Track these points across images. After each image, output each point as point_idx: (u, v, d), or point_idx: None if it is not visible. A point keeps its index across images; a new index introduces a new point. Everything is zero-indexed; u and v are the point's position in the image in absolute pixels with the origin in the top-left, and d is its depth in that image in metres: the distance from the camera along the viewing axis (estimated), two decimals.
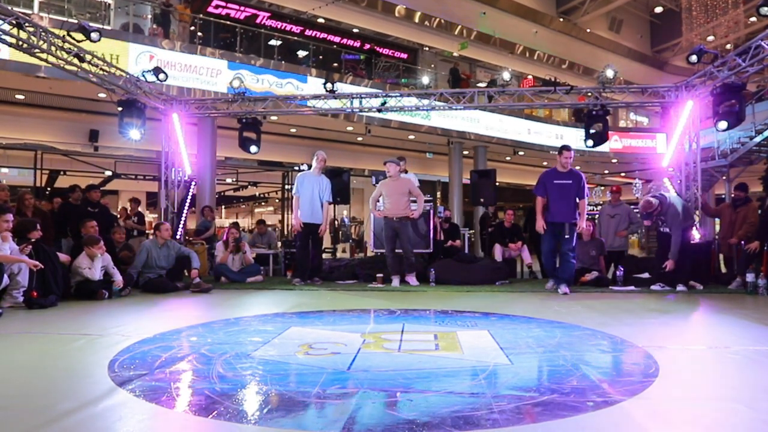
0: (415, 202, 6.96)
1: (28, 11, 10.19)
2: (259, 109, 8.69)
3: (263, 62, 12.31)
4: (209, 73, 11.27)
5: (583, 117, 8.38)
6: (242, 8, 16.38)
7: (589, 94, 8.48)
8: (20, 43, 5.91)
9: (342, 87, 12.00)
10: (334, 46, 17.66)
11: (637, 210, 7.23)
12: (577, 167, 6.31)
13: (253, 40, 14.22)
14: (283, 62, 12.90)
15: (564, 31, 22.81)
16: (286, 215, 14.80)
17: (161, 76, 7.82)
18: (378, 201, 7.12)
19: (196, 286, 6.23)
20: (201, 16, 14.08)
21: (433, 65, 19.64)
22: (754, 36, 6.68)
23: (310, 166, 7.45)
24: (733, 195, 7.15)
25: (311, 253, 7.23)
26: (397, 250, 6.94)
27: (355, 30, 18.38)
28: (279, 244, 10.02)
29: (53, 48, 6.30)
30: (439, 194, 18.08)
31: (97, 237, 5.75)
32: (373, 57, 17.07)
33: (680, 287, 6.17)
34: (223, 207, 20.23)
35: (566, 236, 5.98)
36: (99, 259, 5.61)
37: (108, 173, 13.23)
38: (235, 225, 8.05)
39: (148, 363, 2.73)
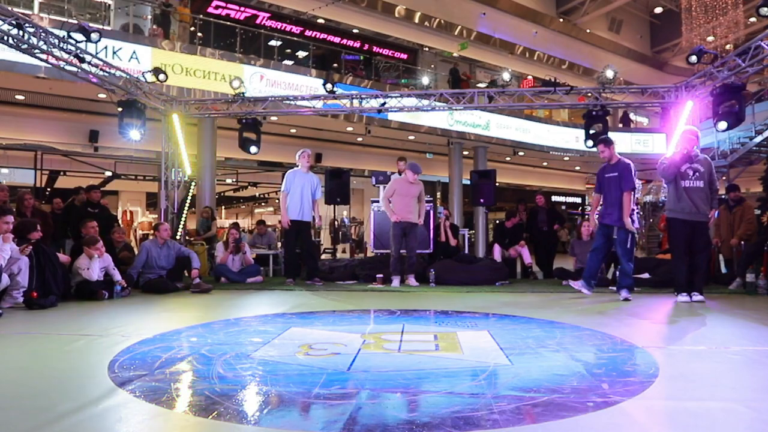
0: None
1: (28, 12, 10.20)
2: (258, 110, 8.69)
3: (352, 80, 13.83)
4: (308, 90, 12.29)
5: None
6: (242, 9, 16.39)
7: (589, 94, 8.50)
8: (20, 43, 5.92)
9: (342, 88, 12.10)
10: (334, 47, 17.68)
11: (637, 210, 6.93)
12: (626, 160, 5.60)
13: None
14: (369, 81, 14.63)
15: (564, 32, 22.82)
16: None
17: (161, 76, 7.82)
18: (390, 199, 6.99)
19: (196, 286, 6.23)
20: (201, 16, 14.09)
21: (433, 66, 19.66)
22: (754, 36, 6.69)
23: (312, 167, 7.39)
24: (728, 197, 7.15)
25: (305, 252, 7.22)
26: (401, 251, 6.93)
27: (355, 30, 18.39)
28: (279, 244, 10.03)
29: (53, 48, 6.31)
30: (439, 194, 18.08)
31: (96, 237, 5.74)
32: (373, 58, 17.15)
33: (696, 296, 5.20)
34: (223, 207, 20.22)
35: (613, 237, 5.52)
36: (97, 260, 5.60)
37: (108, 174, 13.25)
38: (235, 225, 8.05)
39: (149, 363, 2.73)
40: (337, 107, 8.98)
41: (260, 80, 11.88)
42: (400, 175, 8.27)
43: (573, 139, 17.56)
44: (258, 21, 16.65)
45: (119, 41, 10.24)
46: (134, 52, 10.24)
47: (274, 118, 11.41)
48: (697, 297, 5.18)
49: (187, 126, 9.03)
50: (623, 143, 18.34)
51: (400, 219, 6.82)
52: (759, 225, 6.90)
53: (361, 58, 17.26)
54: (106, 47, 9.73)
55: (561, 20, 22.70)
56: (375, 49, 18.91)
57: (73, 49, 6.55)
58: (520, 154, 17.97)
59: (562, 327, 3.86)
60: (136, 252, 7.17)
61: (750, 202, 7.49)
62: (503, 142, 16.35)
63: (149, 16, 12.39)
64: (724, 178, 13.46)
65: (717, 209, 5.39)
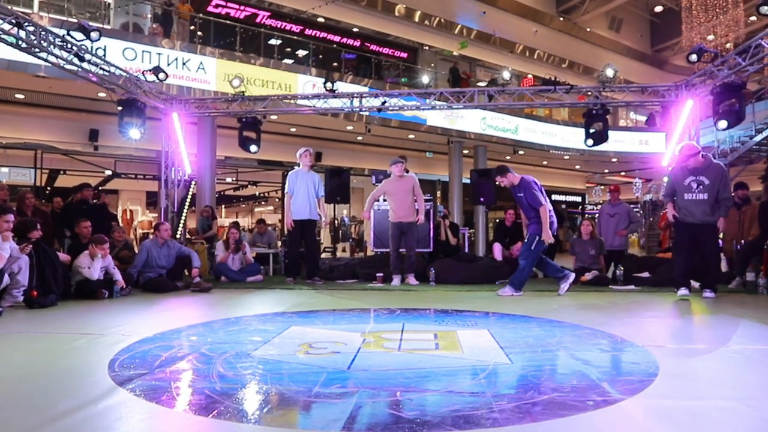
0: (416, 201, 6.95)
1: (28, 10, 10.19)
2: (258, 109, 8.69)
3: (352, 79, 13.92)
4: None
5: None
6: (242, 7, 16.37)
7: (589, 93, 8.49)
8: (20, 42, 5.91)
9: (342, 86, 12.11)
10: (334, 46, 17.67)
11: (637, 209, 7.05)
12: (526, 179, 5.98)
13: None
14: (369, 80, 14.81)
15: (564, 30, 22.80)
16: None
17: (161, 75, 7.82)
18: (377, 200, 7.06)
19: (196, 285, 6.23)
20: (201, 15, 14.07)
21: (433, 64, 19.63)
22: (754, 35, 6.68)
23: (312, 166, 7.36)
24: (736, 195, 7.12)
25: (306, 252, 7.22)
26: (400, 249, 6.94)
27: (354, 29, 18.37)
28: (279, 243, 10.02)
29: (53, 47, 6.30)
30: (439, 193, 18.08)
31: (104, 237, 5.74)
32: (373, 57, 17.16)
33: (708, 293, 5.36)
34: (223, 206, 20.19)
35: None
36: (99, 259, 5.60)
37: (108, 173, 13.23)
38: (236, 225, 8.04)
39: (149, 362, 2.73)
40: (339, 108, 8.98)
41: (312, 89, 12.21)
42: None
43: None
44: (258, 20, 16.63)
45: (188, 53, 11.17)
46: (201, 63, 11.24)
47: (274, 117, 11.40)
48: (708, 294, 5.36)
49: (187, 125, 9.04)
50: (656, 143, 18.49)
51: (397, 219, 6.81)
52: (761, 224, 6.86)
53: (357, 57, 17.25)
54: (176, 59, 10.90)
55: (561, 19, 22.67)
56: (375, 48, 18.89)
57: (86, 47, 6.52)
58: (520, 153, 17.96)
59: (561, 326, 3.86)
60: (136, 251, 7.17)
61: (755, 202, 7.47)
62: (503, 141, 16.35)
63: (149, 15, 12.38)
64: None
65: (725, 216, 5.40)
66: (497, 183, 6.06)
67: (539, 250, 5.70)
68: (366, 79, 14.62)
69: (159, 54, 10.65)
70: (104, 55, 6.31)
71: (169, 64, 10.63)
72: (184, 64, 10.92)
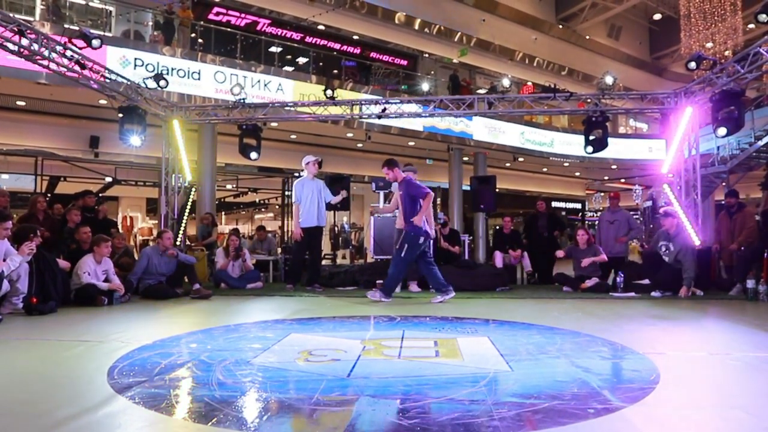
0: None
1: (30, 18, 10.25)
2: (259, 116, 8.71)
3: (352, 86, 14.18)
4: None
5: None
6: (243, 15, 16.46)
7: (589, 100, 8.51)
8: (21, 50, 5.93)
9: (342, 93, 12.15)
10: (335, 53, 17.75)
11: (637, 216, 7.26)
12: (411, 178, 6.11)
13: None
14: (369, 87, 15.01)
15: (563, 38, 22.92)
16: (286, 221, 14.80)
17: (162, 82, 7.84)
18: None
19: (195, 292, 6.21)
20: (202, 23, 14.14)
21: (432, 72, 19.71)
22: (753, 42, 6.70)
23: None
24: (725, 203, 7.16)
25: (310, 259, 7.20)
26: None
27: (355, 37, 18.46)
28: (279, 250, 10.01)
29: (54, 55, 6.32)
30: (439, 201, 18.07)
31: (106, 237, 5.73)
32: (372, 64, 17.27)
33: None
34: (223, 213, 20.18)
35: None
36: (106, 261, 5.61)
37: (108, 179, 13.24)
38: (235, 232, 8.02)
39: (148, 370, 2.72)
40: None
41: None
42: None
43: (646, 150, 18.80)
44: (258, 27, 16.72)
45: (269, 75, 12.34)
46: (280, 85, 12.42)
47: (274, 124, 11.42)
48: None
49: (188, 132, 9.06)
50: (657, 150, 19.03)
51: (401, 225, 6.81)
52: (759, 231, 6.88)
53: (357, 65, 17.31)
54: (259, 81, 12.13)
55: (560, 27, 22.79)
56: (375, 55, 18.96)
57: (76, 55, 6.54)
58: (520, 159, 18.00)
59: (562, 333, 3.85)
60: (136, 257, 7.15)
61: (750, 208, 7.47)
62: (503, 148, 16.39)
63: (150, 23, 12.45)
64: (723, 183, 13.47)
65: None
66: (384, 174, 6.19)
67: (409, 259, 5.73)
68: (366, 87, 14.67)
69: (245, 76, 11.85)
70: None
71: (253, 86, 11.92)
72: (265, 85, 12.22)
